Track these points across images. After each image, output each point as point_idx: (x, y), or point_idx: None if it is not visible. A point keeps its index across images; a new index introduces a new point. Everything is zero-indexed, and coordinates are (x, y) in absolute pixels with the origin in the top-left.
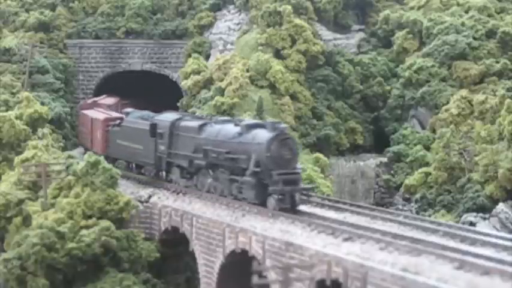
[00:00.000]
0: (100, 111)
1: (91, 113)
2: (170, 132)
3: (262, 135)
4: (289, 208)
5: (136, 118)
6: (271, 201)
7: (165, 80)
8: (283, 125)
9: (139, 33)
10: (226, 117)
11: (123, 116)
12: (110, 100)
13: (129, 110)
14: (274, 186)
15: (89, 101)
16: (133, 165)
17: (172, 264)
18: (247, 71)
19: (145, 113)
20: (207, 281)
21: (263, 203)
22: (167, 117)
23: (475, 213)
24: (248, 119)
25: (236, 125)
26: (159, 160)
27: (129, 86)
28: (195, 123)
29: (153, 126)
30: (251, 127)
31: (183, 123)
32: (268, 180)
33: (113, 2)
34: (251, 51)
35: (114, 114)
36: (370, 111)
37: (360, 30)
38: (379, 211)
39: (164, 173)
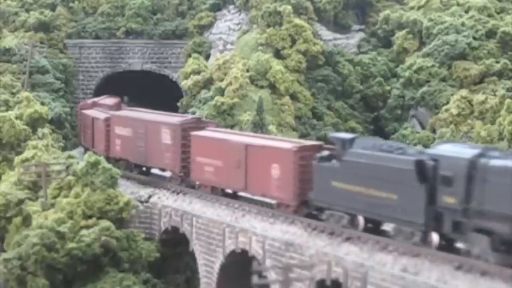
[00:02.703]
0: (253, 135)
1: (237, 137)
2: (468, 176)
3: None
4: None
5: (374, 150)
6: None
7: (165, 80)
8: None
9: (139, 33)
10: None
11: (321, 145)
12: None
13: (343, 135)
14: None
15: (188, 117)
16: (360, 220)
17: (172, 264)
18: (247, 71)
19: (383, 143)
20: (207, 281)
21: None
22: (453, 151)
23: None
24: None
25: None
26: (438, 218)
27: (129, 86)
28: None
29: (422, 166)
30: None
31: (499, 163)
32: None
33: (113, 2)
34: (251, 51)
35: (308, 142)
36: (370, 111)
37: (360, 30)
38: None
39: (435, 236)
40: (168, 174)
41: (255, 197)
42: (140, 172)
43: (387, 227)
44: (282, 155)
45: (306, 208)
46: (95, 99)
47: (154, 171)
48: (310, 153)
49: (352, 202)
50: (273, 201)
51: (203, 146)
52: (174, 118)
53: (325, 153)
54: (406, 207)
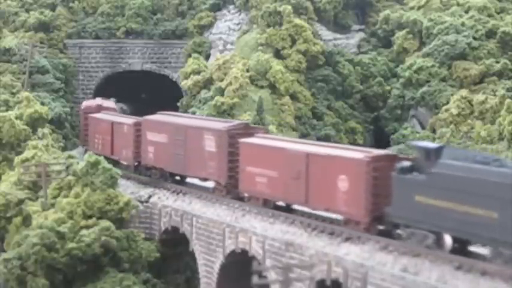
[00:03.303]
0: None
1: (296, 145)
2: None
3: None
4: None
5: (467, 162)
6: None
7: (165, 80)
8: None
9: (139, 33)
10: None
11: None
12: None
13: (429, 144)
14: None
15: (234, 122)
16: (447, 239)
17: (172, 264)
18: (247, 71)
19: (476, 154)
20: (207, 281)
21: None
22: None
23: None
24: None
25: None
26: None
27: (129, 86)
28: None
29: None
30: None
31: None
32: None
33: (113, 2)
34: (251, 51)
35: (380, 151)
36: (370, 111)
37: (360, 30)
38: None
39: None
40: (211, 184)
41: (317, 212)
42: (174, 181)
43: (475, 247)
44: (352, 165)
45: (379, 225)
46: (96, 101)
47: (190, 180)
48: (384, 164)
49: (439, 219)
50: (340, 217)
51: (254, 155)
52: (219, 124)
53: (406, 163)
54: (508, 226)
